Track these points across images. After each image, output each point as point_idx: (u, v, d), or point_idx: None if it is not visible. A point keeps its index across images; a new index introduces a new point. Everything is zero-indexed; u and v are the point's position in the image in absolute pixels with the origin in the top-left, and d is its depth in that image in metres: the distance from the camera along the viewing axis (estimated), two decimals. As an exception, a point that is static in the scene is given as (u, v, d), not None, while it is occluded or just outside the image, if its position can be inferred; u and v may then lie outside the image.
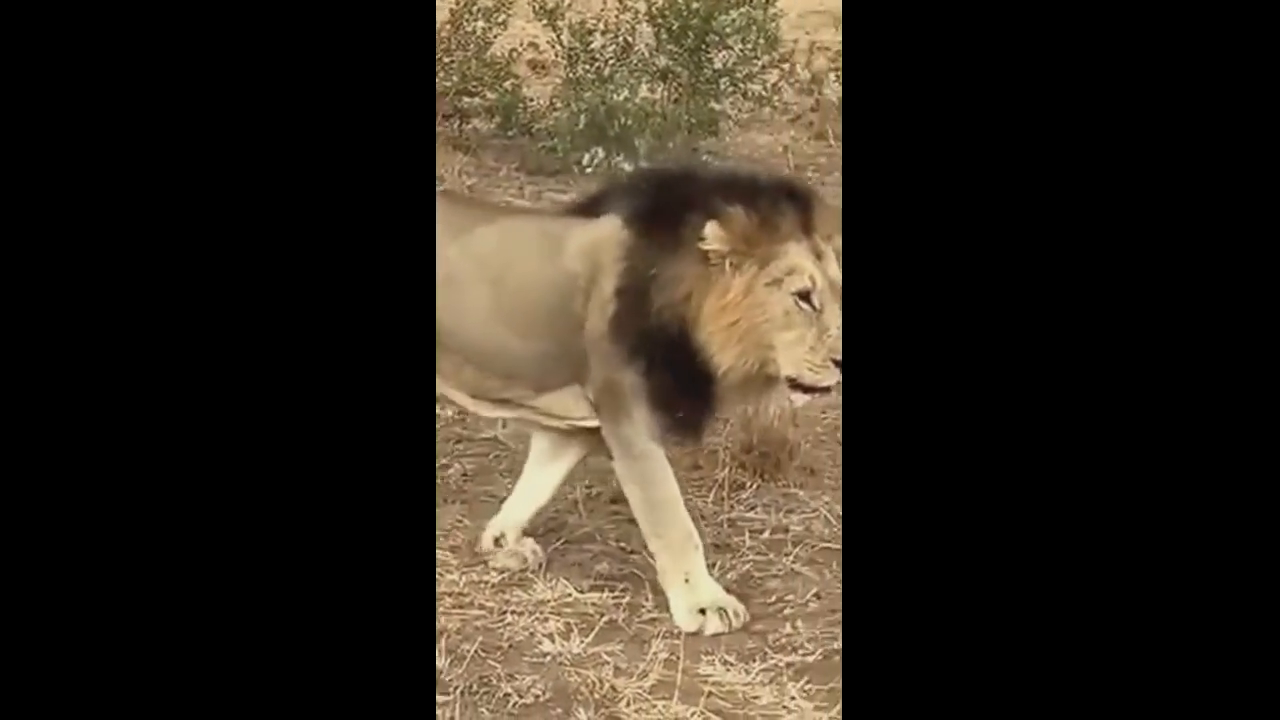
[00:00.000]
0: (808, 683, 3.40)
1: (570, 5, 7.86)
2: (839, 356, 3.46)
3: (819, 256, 3.56)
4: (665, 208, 3.66)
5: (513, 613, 3.71)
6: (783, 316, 3.53)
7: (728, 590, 3.74)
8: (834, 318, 3.51)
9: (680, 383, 3.63)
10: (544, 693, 3.37)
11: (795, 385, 3.57)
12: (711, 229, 3.54)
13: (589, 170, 7.01)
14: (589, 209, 3.84)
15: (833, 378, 3.51)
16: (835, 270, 3.56)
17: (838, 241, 3.58)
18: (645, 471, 3.70)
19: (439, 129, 6.98)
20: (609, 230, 3.70)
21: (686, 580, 3.67)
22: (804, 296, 3.52)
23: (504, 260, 3.76)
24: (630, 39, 7.84)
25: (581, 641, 3.57)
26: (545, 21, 7.75)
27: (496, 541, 3.95)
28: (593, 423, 3.75)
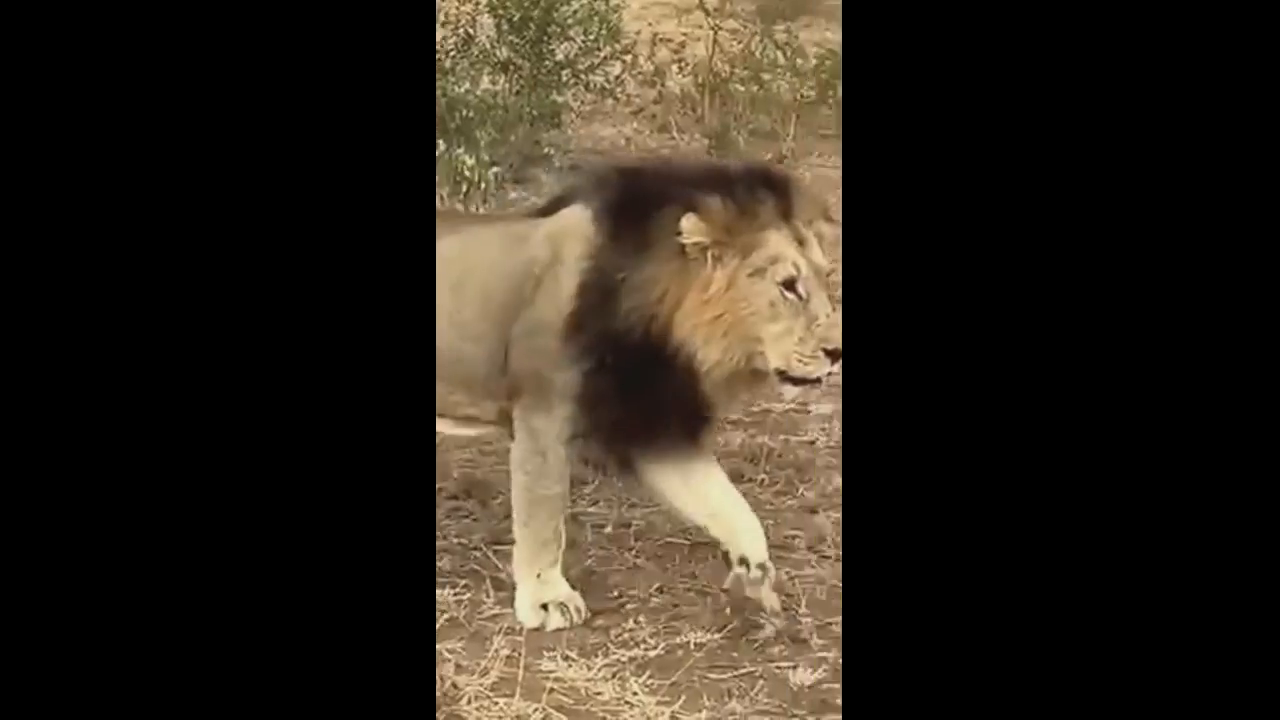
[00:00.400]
0: (649, 678, 3.39)
1: (411, -4, 7.78)
2: (830, 346, 3.37)
3: (801, 243, 3.46)
4: (633, 204, 3.54)
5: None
6: (768, 308, 3.41)
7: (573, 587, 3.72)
8: (821, 306, 3.40)
9: (626, 386, 3.51)
10: (383, 693, 3.32)
11: (785, 378, 3.44)
12: (690, 222, 3.42)
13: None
14: (554, 207, 3.75)
15: (824, 368, 3.40)
16: (819, 256, 3.46)
17: (820, 226, 3.51)
18: (540, 467, 3.62)
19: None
20: (574, 219, 3.60)
21: (539, 576, 3.64)
22: (789, 285, 3.41)
23: (465, 264, 3.66)
24: (471, 31, 7.79)
25: (422, 640, 3.52)
26: (385, 12, 7.66)
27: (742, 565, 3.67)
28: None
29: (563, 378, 3.54)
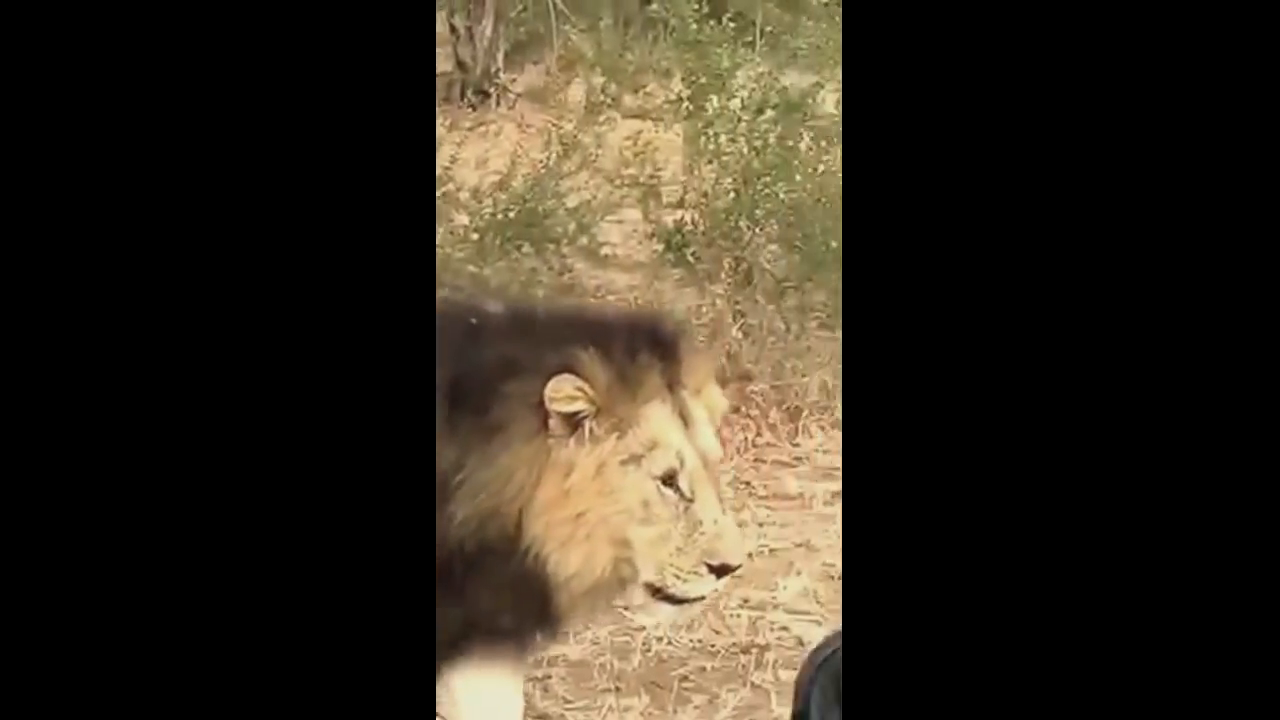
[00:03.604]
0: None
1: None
2: (715, 561, 2.70)
3: (688, 424, 2.76)
4: (463, 380, 2.69)
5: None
6: (641, 507, 2.69)
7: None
8: (709, 508, 2.71)
9: (520, 614, 2.84)
10: None
11: (658, 594, 2.74)
12: (565, 386, 2.66)
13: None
14: None
15: (707, 586, 2.72)
16: (710, 441, 2.79)
17: (711, 395, 2.85)
18: None
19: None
20: None
21: None
22: (669, 480, 2.70)
23: None
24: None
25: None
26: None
27: None
28: None
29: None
